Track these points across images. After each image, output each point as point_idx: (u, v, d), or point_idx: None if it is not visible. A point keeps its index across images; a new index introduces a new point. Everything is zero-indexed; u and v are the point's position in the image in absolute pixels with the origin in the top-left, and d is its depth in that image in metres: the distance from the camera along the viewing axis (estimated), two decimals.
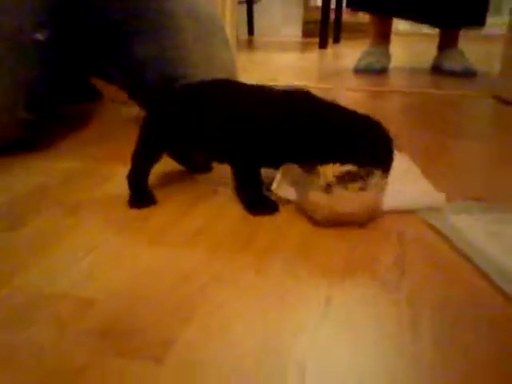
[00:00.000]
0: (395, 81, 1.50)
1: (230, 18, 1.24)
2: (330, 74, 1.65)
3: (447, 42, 1.62)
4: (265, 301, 0.39)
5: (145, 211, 0.55)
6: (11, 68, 0.72)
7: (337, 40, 2.73)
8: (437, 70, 1.63)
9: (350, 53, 2.12)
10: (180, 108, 0.57)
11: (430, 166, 0.68)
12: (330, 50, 2.39)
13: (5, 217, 0.55)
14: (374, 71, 1.59)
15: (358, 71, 1.61)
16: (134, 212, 0.55)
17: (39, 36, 0.74)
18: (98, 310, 0.38)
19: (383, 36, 1.67)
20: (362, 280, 0.42)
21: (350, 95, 1.25)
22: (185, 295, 0.40)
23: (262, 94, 0.57)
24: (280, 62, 1.95)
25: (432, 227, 0.51)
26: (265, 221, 0.53)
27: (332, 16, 2.58)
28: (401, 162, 0.67)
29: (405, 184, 0.61)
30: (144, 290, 0.41)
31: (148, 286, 0.41)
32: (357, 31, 2.83)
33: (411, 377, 0.32)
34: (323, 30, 2.43)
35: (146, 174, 0.59)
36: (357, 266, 0.45)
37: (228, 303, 0.39)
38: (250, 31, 3.25)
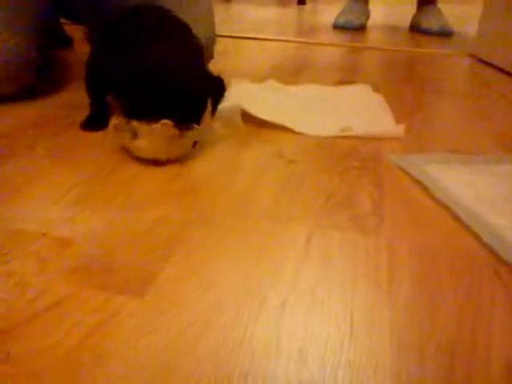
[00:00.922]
0: (373, 38, 1.49)
1: None
2: (309, 29, 1.62)
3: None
4: (244, 242, 0.40)
5: (123, 155, 0.54)
6: (22, 8, 0.70)
7: None
8: (414, 29, 1.62)
9: (329, 9, 2.08)
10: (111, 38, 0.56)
11: (407, 120, 0.69)
12: (309, 5, 2.33)
13: None
14: (353, 28, 1.57)
15: (337, 27, 1.59)
16: (109, 155, 0.54)
17: None
18: (76, 249, 0.37)
19: None
20: (342, 223, 0.43)
21: (329, 50, 1.23)
22: (164, 235, 0.40)
23: None
24: (257, 17, 1.89)
25: (408, 174, 0.52)
26: (244, 165, 0.53)
27: None
28: (366, 93, 0.79)
29: (371, 114, 0.69)
30: (121, 230, 0.41)
31: (125, 227, 0.41)
32: None
33: (388, 309, 0.33)
34: None
35: (102, 99, 0.57)
36: (336, 209, 0.45)
37: (207, 243, 0.39)
38: None
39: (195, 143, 0.53)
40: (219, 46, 0.88)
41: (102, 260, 0.36)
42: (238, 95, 0.71)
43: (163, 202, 0.45)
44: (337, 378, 0.27)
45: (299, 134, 0.62)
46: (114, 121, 0.52)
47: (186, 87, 0.50)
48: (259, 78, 0.85)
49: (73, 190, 0.46)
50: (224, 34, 1.35)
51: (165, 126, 0.49)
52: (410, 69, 1.07)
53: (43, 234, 0.39)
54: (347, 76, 0.95)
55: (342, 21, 1.59)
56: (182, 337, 0.30)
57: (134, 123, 0.50)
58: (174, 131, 0.49)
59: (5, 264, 0.35)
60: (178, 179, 0.49)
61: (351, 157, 0.57)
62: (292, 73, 0.96)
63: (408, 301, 0.34)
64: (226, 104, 0.63)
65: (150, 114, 0.49)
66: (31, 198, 0.45)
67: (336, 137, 0.61)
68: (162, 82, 0.48)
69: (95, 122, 0.60)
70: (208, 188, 0.48)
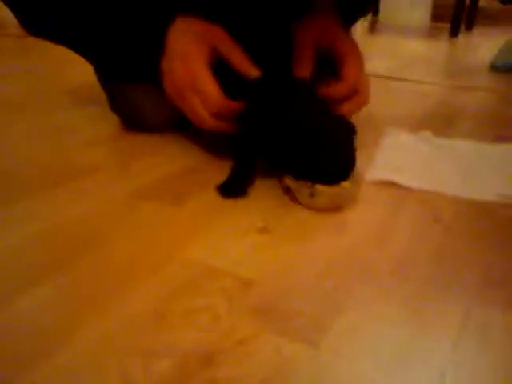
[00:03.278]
0: None
1: None
2: (461, 69, 1.57)
3: None
4: (404, 306, 0.43)
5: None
6: None
7: (469, 27, 2.55)
8: None
9: (485, 43, 1.99)
10: None
11: None
12: (462, 38, 2.25)
13: (167, 192, 0.63)
14: None
15: (495, 67, 1.51)
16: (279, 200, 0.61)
17: None
18: (257, 289, 0.44)
19: None
20: (500, 302, 0.44)
21: (485, 96, 1.19)
22: (332, 284, 0.45)
23: None
24: (404, 52, 1.88)
25: None
26: (400, 226, 0.56)
27: None
28: None
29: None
30: (298, 273, 0.47)
31: (301, 270, 0.47)
32: (494, 18, 2.62)
33: None
34: (456, 15, 2.29)
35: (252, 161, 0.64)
36: (494, 286, 0.46)
37: (371, 300, 0.43)
38: (375, 11, 3.15)
39: None
40: None
41: (279, 304, 0.42)
42: (392, 152, 0.74)
43: (330, 253, 0.50)
44: None
45: (454, 196, 0.63)
46: (290, 183, 0.59)
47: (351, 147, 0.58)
48: (411, 127, 0.87)
49: (252, 231, 0.54)
50: (368, 71, 1.38)
51: (345, 189, 0.57)
52: None
53: (227, 273, 0.46)
54: (507, 130, 0.92)
55: (502, 60, 1.51)
56: None
57: (319, 187, 0.56)
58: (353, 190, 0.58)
59: (200, 297, 0.43)
60: (341, 233, 0.55)
61: (511, 228, 0.56)
62: (445, 122, 0.96)
63: None
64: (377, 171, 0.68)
65: (334, 178, 0.57)
66: (215, 236, 0.53)
67: (495, 203, 0.61)
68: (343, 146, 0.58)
69: (236, 186, 0.62)
70: (367, 246, 0.52)
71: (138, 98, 0.81)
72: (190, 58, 0.63)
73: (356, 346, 0.38)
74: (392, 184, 0.65)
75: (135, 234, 0.53)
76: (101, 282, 0.45)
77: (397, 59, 1.67)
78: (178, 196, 0.62)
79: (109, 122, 0.88)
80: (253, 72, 0.64)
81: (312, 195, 0.57)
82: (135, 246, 0.51)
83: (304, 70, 0.66)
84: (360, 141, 0.74)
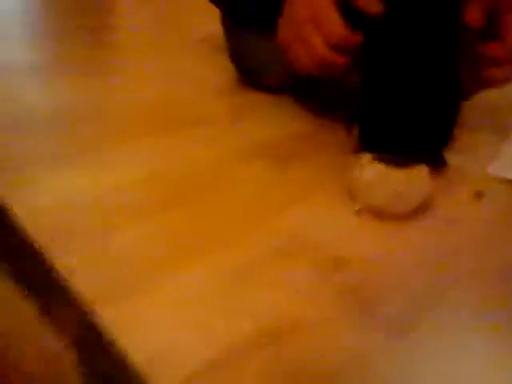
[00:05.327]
0: None
1: None
2: None
3: None
4: (503, 317, 0.39)
5: None
6: None
7: None
8: None
9: None
10: None
11: None
12: None
13: (271, 155, 0.60)
14: None
15: None
16: None
17: None
18: (350, 270, 0.42)
19: None
20: None
21: None
22: (426, 281, 0.42)
23: None
24: None
25: None
26: None
27: None
28: None
29: None
30: (393, 262, 0.44)
31: (397, 259, 0.44)
32: None
33: None
34: None
35: None
36: None
37: (466, 305, 0.40)
38: None
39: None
40: None
41: (368, 288, 0.40)
42: None
43: (433, 245, 0.47)
44: None
45: None
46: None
47: None
48: None
49: (345, 211, 0.50)
50: None
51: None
52: None
53: (320, 248, 0.44)
54: None
55: None
56: None
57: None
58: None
59: (286, 269, 0.42)
60: (449, 227, 0.50)
61: None
62: None
63: None
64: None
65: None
66: (311, 209, 0.50)
67: None
68: None
69: None
70: (473, 247, 0.47)
71: (258, 50, 0.78)
72: None
73: (442, 344, 0.35)
74: None
75: (233, 191, 0.52)
76: (195, 232, 0.45)
77: None
78: (283, 160, 0.59)
79: (229, 74, 0.85)
80: (374, 6, 0.56)
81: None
82: (229, 206, 0.50)
83: (476, 14, 0.54)
84: (484, 133, 0.67)
